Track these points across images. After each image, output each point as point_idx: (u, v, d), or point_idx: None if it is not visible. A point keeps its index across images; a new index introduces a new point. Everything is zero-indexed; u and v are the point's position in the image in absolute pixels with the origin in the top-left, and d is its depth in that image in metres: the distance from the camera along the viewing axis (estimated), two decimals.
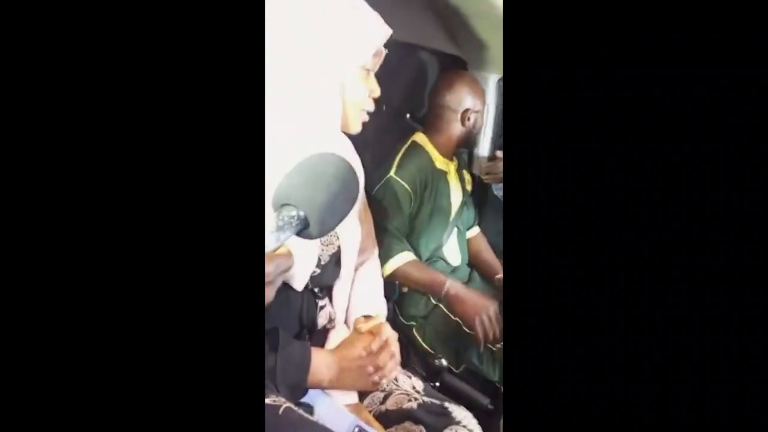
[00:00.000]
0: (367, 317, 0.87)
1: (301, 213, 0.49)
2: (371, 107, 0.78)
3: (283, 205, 0.50)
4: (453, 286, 1.19)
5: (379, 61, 0.76)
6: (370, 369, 0.76)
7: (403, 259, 1.21)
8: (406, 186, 1.25)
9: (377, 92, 0.78)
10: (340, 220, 0.53)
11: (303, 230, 0.50)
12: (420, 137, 1.35)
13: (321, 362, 0.74)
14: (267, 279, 0.50)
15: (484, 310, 1.15)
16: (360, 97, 0.76)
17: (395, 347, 0.80)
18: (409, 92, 1.44)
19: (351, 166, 0.54)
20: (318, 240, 0.77)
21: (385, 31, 0.74)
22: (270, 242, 0.48)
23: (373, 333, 0.79)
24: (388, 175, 1.26)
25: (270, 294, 0.52)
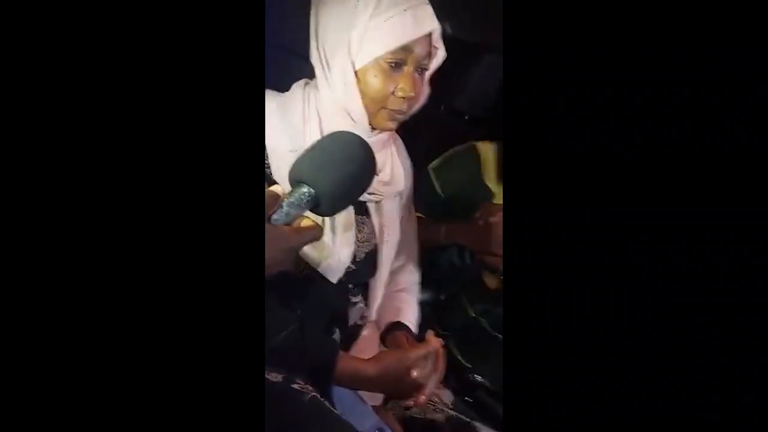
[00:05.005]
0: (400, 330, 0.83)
1: (312, 191, 0.52)
2: (400, 107, 0.70)
3: (297, 182, 0.53)
4: None
5: (417, 59, 0.69)
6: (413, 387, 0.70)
7: None
8: (436, 185, 1.17)
9: (404, 92, 0.68)
10: (354, 199, 0.55)
11: (315, 208, 0.54)
12: (483, 147, 1.20)
13: (357, 371, 0.70)
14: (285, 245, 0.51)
15: None
16: (377, 94, 0.68)
17: (441, 364, 0.73)
18: (471, 94, 1.39)
19: (365, 144, 0.55)
20: (355, 236, 0.75)
21: (417, 28, 0.66)
22: (280, 217, 0.51)
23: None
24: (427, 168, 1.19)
25: (287, 262, 0.53)
